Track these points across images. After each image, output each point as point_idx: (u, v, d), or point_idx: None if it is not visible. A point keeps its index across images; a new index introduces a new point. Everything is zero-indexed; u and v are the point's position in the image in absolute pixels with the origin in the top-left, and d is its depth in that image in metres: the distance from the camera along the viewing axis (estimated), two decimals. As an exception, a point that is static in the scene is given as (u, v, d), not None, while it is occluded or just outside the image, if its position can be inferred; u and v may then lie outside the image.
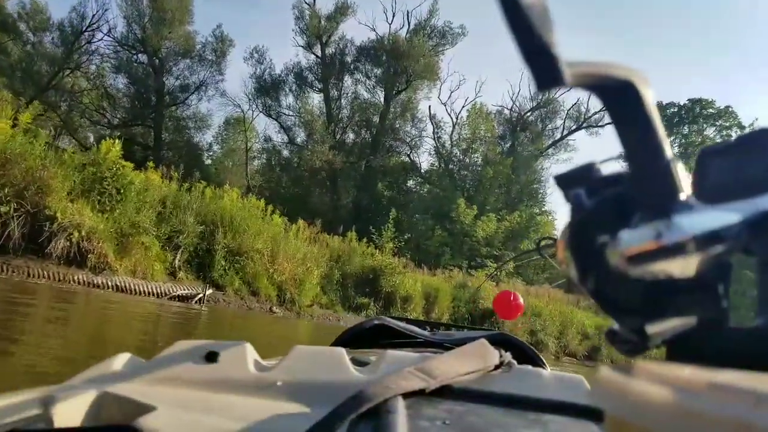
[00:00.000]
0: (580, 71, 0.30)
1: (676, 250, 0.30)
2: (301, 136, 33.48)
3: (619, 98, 0.33)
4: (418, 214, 30.43)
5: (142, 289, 10.40)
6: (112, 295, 9.79)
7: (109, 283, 10.09)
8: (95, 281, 9.97)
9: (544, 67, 0.28)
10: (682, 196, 0.32)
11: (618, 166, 0.37)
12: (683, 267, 0.30)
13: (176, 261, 11.78)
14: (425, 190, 33.82)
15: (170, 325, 8.30)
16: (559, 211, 33.71)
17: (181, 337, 1.10)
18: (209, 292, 11.42)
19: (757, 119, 36.63)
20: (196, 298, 11.08)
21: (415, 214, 30.42)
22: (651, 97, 0.32)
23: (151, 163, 13.47)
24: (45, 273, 9.43)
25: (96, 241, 10.04)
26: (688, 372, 0.26)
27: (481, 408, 0.76)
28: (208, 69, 32.41)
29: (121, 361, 0.84)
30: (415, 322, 1.95)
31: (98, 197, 10.55)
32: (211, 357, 0.85)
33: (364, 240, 18.21)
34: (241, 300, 12.63)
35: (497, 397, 0.79)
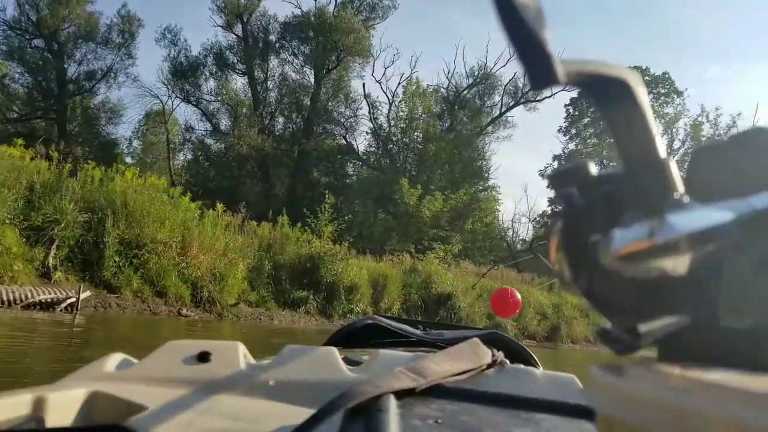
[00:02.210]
0: (573, 70, 0.31)
1: (668, 248, 0.30)
2: (225, 123, 30.73)
3: (613, 97, 0.33)
4: (359, 198, 28.38)
5: (-18, 297, 7.66)
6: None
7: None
8: None
9: (539, 66, 0.29)
10: (675, 195, 0.32)
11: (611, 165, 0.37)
12: (676, 266, 0.31)
13: (50, 258, 9.10)
14: (364, 173, 31.69)
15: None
16: (502, 186, 32.77)
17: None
18: (86, 294, 8.65)
19: (687, 89, 36.82)
20: (63, 305, 8.37)
21: (355, 199, 28.34)
22: (644, 96, 0.33)
23: (19, 140, 10.67)
24: None
25: None
26: (679, 371, 0.27)
27: (473, 407, 0.75)
28: (116, 53, 29.34)
29: (112, 360, 0.84)
30: (407, 322, 1.96)
31: None
32: (204, 357, 0.84)
33: (299, 226, 15.91)
34: (143, 303, 10.05)
35: (489, 396, 0.78)
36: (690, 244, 0.30)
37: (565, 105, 36.42)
